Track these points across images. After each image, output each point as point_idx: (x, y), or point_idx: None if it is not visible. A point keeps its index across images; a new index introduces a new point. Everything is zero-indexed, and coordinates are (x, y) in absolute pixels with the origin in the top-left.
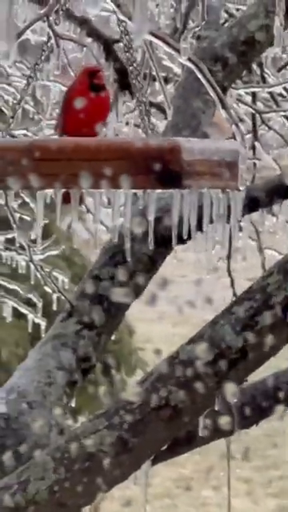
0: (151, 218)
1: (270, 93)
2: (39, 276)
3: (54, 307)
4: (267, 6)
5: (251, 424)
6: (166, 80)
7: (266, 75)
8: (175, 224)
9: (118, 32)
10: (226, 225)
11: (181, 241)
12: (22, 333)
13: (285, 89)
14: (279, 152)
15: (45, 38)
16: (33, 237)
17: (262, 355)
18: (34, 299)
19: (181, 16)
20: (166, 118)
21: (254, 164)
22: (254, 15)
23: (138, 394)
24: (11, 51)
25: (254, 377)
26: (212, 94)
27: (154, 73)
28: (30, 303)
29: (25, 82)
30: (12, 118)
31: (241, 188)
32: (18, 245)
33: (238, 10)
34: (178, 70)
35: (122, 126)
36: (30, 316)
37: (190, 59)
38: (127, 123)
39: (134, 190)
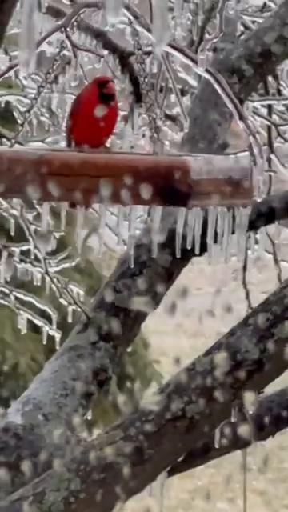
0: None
1: (286, 105)
2: (54, 288)
3: (70, 319)
4: (284, 19)
5: (267, 436)
6: (182, 92)
7: (281, 88)
8: (180, 235)
9: (133, 45)
10: (236, 237)
11: (195, 253)
12: (38, 345)
13: None
14: None
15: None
16: (48, 249)
17: (279, 366)
18: (49, 311)
19: (197, 28)
20: (181, 130)
21: (270, 176)
22: (270, 27)
23: (157, 402)
24: (31, 59)
25: (270, 388)
26: (229, 104)
27: (171, 85)
28: (44, 315)
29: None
30: (21, 125)
31: (258, 200)
32: (33, 257)
33: (254, 22)
34: (193, 82)
35: (138, 138)
36: (45, 328)
37: (207, 70)
38: (143, 135)
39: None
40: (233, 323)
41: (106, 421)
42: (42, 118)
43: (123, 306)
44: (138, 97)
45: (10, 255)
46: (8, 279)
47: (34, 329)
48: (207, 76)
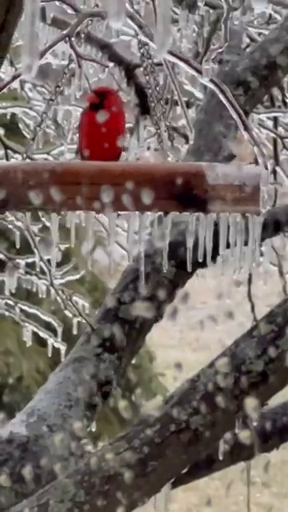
0: (167, 241)
1: None
2: (59, 300)
3: (75, 331)
4: None
5: (271, 448)
6: (188, 104)
7: (287, 100)
8: (191, 247)
9: (139, 56)
10: (246, 249)
11: (201, 265)
12: (43, 358)
13: None
14: None
15: (66, 62)
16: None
17: (284, 378)
18: (54, 323)
19: (203, 40)
20: (187, 142)
21: (275, 189)
22: (275, 39)
23: (160, 413)
24: (34, 66)
25: (274, 400)
26: (233, 115)
27: (176, 97)
28: (49, 327)
29: (45, 105)
30: (32, 139)
31: (263, 211)
32: (38, 269)
33: (259, 34)
34: (199, 94)
35: (143, 150)
36: (50, 340)
37: (211, 80)
38: (148, 148)
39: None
40: (237, 336)
41: (110, 433)
42: (48, 130)
43: (128, 317)
44: (143, 109)
45: (15, 267)
46: (13, 291)
47: (39, 341)
48: (212, 86)
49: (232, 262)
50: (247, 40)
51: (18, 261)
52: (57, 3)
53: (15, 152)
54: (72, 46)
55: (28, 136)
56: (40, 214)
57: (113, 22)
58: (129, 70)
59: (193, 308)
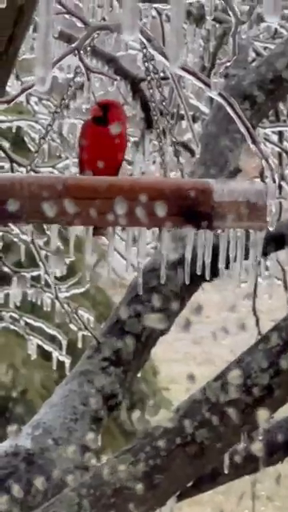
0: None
1: None
2: (65, 313)
3: (79, 345)
4: None
5: (276, 461)
6: (194, 119)
7: None
8: (188, 261)
9: (144, 70)
10: (249, 263)
11: (206, 278)
12: (47, 372)
13: None
14: None
15: (71, 75)
16: (58, 274)
17: None
18: (59, 337)
19: (209, 54)
20: (192, 156)
21: (280, 203)
22: (281, 54)
23: (173, 420)
24: (47, 78)
25: (279, 414)
26: (242, 128)
27: (182, 111)
28: (54, 341)
29: (50, 118)
30: (36, 152)
31: (270, 228)
32: (43, 282)
33: (265, 48)
34: (205, 108)
35: (148, 164)
36: (55, 353)
37: (220, 94)
38: (154, 162)
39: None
40: (242, 350)
41: (114, 446)
42: (53, 144)
43: (134, 331)
44: (148, 123)
45: (21, 280)
46: (18, 304)
47: (44, 355)
48: (220, 100)
49: (236, 276)
50: (253, 54)
51: (23, 274)
52: (66, 16)
53: (20, 165)
54: (81, 59)
55: (33, 149)
56: (45, 227)
57: (126, 35)
58: (134, 84)
59: (198, 322)
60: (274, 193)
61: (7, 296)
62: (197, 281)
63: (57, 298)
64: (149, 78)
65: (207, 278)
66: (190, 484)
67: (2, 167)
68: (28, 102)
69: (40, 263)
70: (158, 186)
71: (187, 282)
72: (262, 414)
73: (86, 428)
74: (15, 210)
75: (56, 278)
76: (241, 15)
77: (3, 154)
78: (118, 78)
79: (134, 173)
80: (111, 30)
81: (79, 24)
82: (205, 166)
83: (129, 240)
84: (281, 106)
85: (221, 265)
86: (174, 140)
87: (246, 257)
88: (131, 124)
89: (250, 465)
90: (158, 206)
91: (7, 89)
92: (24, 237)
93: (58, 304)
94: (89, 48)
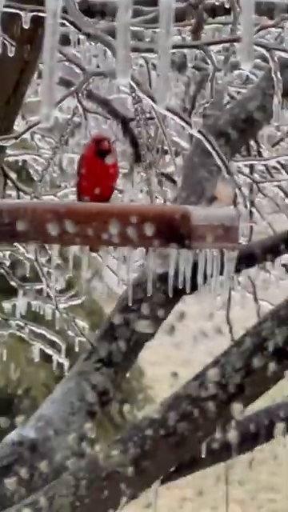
0: (159, 271)
1: (266, 165)
2: (63, 322)
3: (76, 349)
4: (264, 90)
5: (247, 450)
6: (176, 153)
7: (261, 150)
8: (171, 276)
9: (133, 111)
10: (223, 279)
11: (186, 292)
12: (48, 372)
13: (278, 162)
14: (273, 217)
15: (70, 116)
16: (58, 287)
17: (258, 390)
18: (59, 342)
19: (189, 98)
20: (174, 185)
21: (251, 227)
22: (252, 97)
23: (159, 411)
24: (51, 114)
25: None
26: (218, 161)
27: (166, 147)
28: (54, 345)
29: (52, 152)
30: (40, 181)
31: (239, 244)
32: (45, 295)
33: (238, 92)
34: (185, 144)
35: (136, 193)
36: (55, 357)
37: (199, 131)
38: (141, 191)
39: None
40: (217, 354)
41: (106, 437)
42: (54, 175)
43: (123, 337)
44: (136, 157)
45: (26, 293)
46: (23, 314)
47: (45, 358)
48: (199, 136)
49: (212, 290)
50: (228, 97)
51: (27, 287)
52: (66, 63)
53: (26, 193)
54: (79, 100)
55: (36, 180)
56: (47, 246)
57: (120, 79)
58: (125, 123)
59: (178, 330)
60: (245, 217)
61: (14, 306)
62: (178, 294)
63: (57, 308)
64: (137, 117)
65: (187, 292)
66: (172, 469)
67: (9, 195)
68: (32, 138)
69: (43, 278)
70: (144, 210)
71: (170, 295)
72: (236, 409)
73: (82, 420)
74: (22, 230)
75: (56, 290)
76: (217, 63)
77: (11, 184)
78: (111, 117)
79: (123, 200)
80: (106, 75)
81: (77, 70)
82: (185, 194)
83: (120, 258)
84: (252, 142)
85: (199, 280)
86: (158, 171)
87: (222, 273)
88: (121, 158)
89: (225, 453)
90: (145, 226)
91: (14, 127)
92: (29, 255)
93: (57, 313)
94: (85, 91)
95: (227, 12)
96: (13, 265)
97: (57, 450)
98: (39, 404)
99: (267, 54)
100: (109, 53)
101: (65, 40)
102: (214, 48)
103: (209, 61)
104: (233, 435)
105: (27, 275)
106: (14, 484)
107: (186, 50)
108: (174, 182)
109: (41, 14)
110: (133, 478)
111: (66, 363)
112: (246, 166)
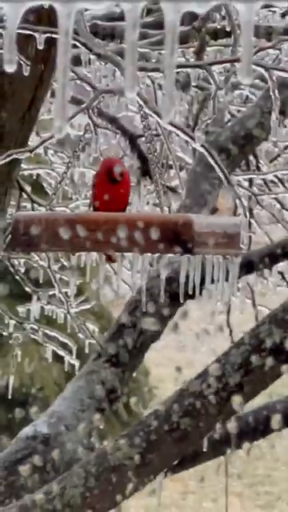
0: (163, 276)
1: (264, 179)
2: (74, 325)
3: (86, 350)
4: (262, 108)
5: (248, 442)
6: (180, 168)
7: (260, 165)
8: (183, 282)
9: (141, 128)
10: (226, 285)
11: (189, 297)
12: (60, 372)
13: (276, 176)
14: (270, 228)
15: (81, 133)
16: (69, 293)
17: (256, 388)
18: (70, 344)
19: (192, 115)
20: (178, 198)
21: (250, 237)
22: (251, 115)
23: (163, 404)
24: (64, 128)
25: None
26: (220, 173)
27: (171, 161)
28: (66, 347)
29: (65, 167)
30: (54, 194)
31: (242, 250)
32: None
33: (238, 111)
34: (189, 159)
35: (143, 205)
36: (66, 358)
37: (202, 146)
38: (147, 203)
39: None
40: (218, 356)
41: (113, 432)
42: (66, 188)
43: (130, 339)
44: (143, 171)
45: (39, 299)
46: (37, 317)
47: (58, 359)
48: (202, 150)
49: (214, 295)
50: (229, 115)
51: (41, 293)
52: (77, 82)
53: (40, 205)
54: (90, 117)
55: (50, 192)
56: (59, 255)
57: (128, 93)
58: (132, 139)
59: (181, 333)
60: (245, 225)
61: (28, 311)
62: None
63: (68, 312)
64: (145, 134)
65: (192, 296)
66: (175, 462)
67: (24, 207)
68: (46, 153)
69: (55, 284)
70: (150, 218)
71: (181, 301)
72: (235, 406)
73: (92, 417)
74: (37, 239)
75: (68, 296)
76: (219, 83)
77: (26, 196)
78: (119, 134)
79: (131, 211)
80: (115, 93)
81: (88, 88)
82: (189, 205)
83: (134, 266)
84: (251, 157)
85: (207, 285)
86: (163, 184)
87: (227, 279)
88: (129, 172)
89: (224, 448)
90: (151, 231)
91: (28, 143)
92: (42, 263)
93: (69, 317)
94: (96, 109)
95: (228, 35)
96: (27, 272)
97: (68, 444)
98: (51, 402)
99: (266, 74)
100: (117, 73)
101: (76, 60)
102: (215, 68)
103: (211, 80)
104: (233, 430)
105: (40, 281)
106: (28, 471)
107: (189, 70)
108: (178, 194)
109: (54, 36)
110: (138, 470)
111: (77, 363)
112: (245, 179)
